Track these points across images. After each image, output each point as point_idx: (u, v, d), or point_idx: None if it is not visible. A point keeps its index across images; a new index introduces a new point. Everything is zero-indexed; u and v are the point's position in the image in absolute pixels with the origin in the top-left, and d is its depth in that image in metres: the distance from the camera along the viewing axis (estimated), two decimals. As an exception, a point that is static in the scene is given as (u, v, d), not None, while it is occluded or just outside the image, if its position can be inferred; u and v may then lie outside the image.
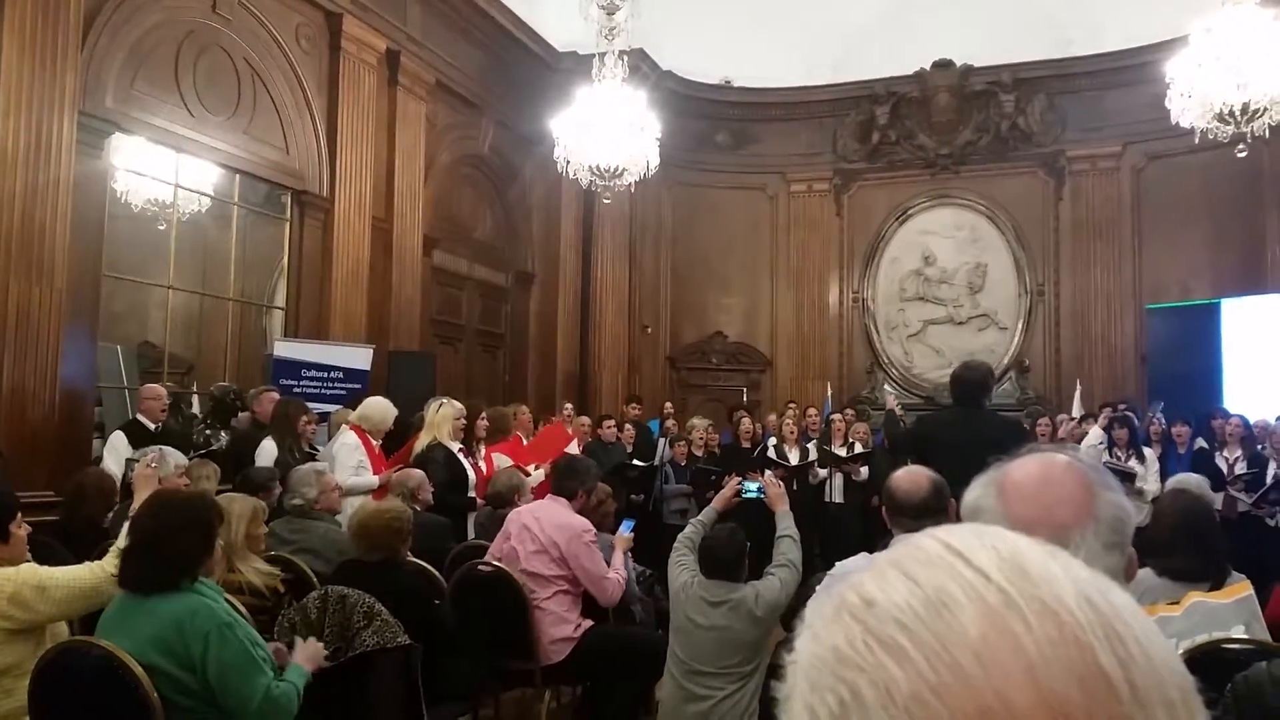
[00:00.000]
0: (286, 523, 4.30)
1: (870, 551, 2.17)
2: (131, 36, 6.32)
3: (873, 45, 11.47)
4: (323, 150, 7.93)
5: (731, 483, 4.23)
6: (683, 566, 3.81)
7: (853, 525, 7.72)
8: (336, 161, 8.00)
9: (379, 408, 5.83)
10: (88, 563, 2.99)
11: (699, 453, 8.20)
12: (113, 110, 6.18)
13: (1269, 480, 6.61)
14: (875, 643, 0.42)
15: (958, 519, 1.66)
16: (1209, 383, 9.46)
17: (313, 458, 5.43)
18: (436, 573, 4.05)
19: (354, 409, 5.98)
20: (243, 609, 2.95)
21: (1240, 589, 2.49)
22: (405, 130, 8.81)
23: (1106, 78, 10.96)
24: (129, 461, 4.85)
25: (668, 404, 10.48)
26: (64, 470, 5.07)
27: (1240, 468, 6.89)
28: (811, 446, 8.32)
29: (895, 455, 6.04)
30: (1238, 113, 6.62)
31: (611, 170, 8.13)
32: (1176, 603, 2.42)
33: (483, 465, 6.01)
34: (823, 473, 8.07)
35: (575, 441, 7.41)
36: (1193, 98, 6.82)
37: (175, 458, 4.29)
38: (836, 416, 8.82)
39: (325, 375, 7.31)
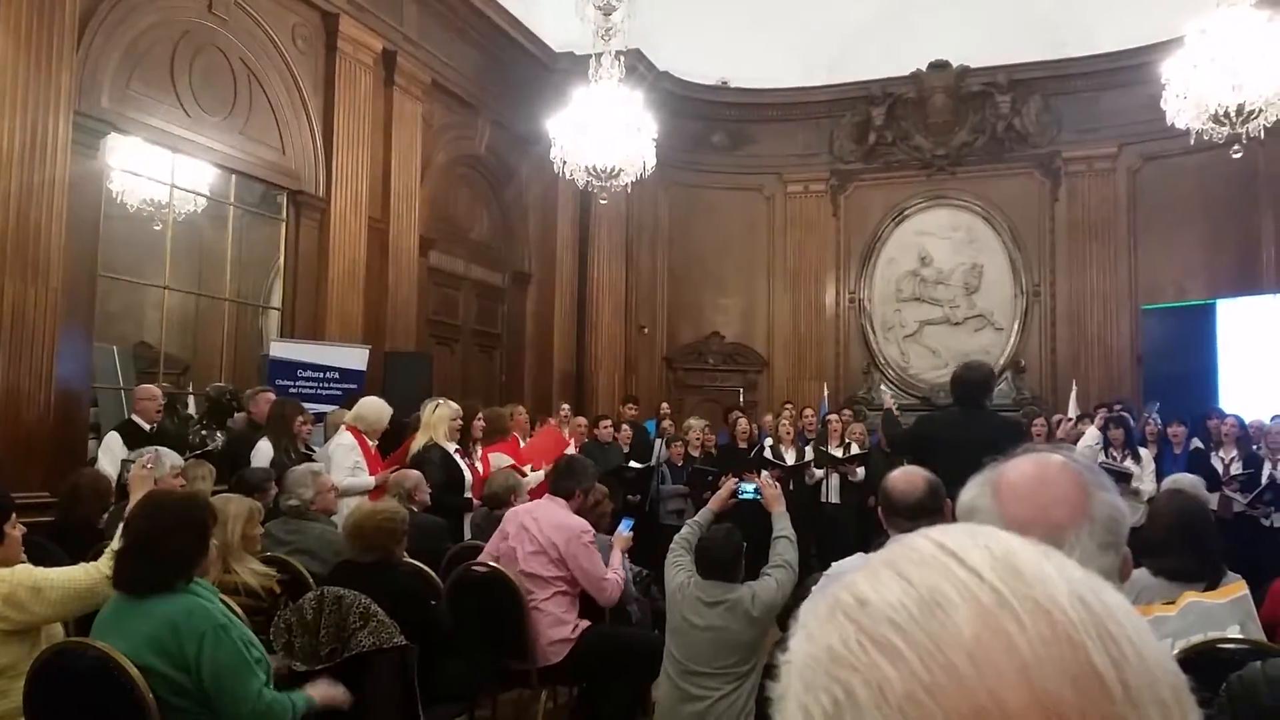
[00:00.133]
0: (282, 523, 4.30)
1: (866, 552, 2.17)
2: (127, 36, 6.31)
3: (869, 46, 11.48)
4: (319, 150, 7.93)
5: (728, 484, 4.23)
6: (679, 567, 3.81)
7: (849, 526, 7.72)
8: (332, 162, 7.99)
9: (374, 408, 5.82)
10: (83, 564, 2.98)
11: (695, 453, 8.20)
12: (108, 110, 6.17)
13: (1264, 480, 6.62)
14: (869, 642, 0.42)
15: (954, 519, 1.66)
16: (1204, 383, 9.48)
17: (309, 458, 5.43)
18: (433, 573, 4.05)
19: (350, 409, 5.98)
20: (238, 610, 2.95)
21: (1235, 589, 2.50)
22: (401, 130, 8.81)
23: (1102, 79, 10.98)
24: (125, 462, 4.86)
25: (664, 404, 10.49)
26: (59, 471, 5.06)
27: (1236, 468, 6.90)
28: (808, 447, 8.33)
29: (894, 455, 6.05)
30: (1233, 114, 6.64)
31: (608, 171, 8.13)
32: (1172, 603, 2.43)
33: (479, 466, 6.01)
34: (819, 473, 8.07)
35: (572, 444, 7.42)
36: (1188, 99, 6.83)
37: (171, 458, 4.29)
38: (833, 417, 8.81)
39: (321, 376, 7.30)
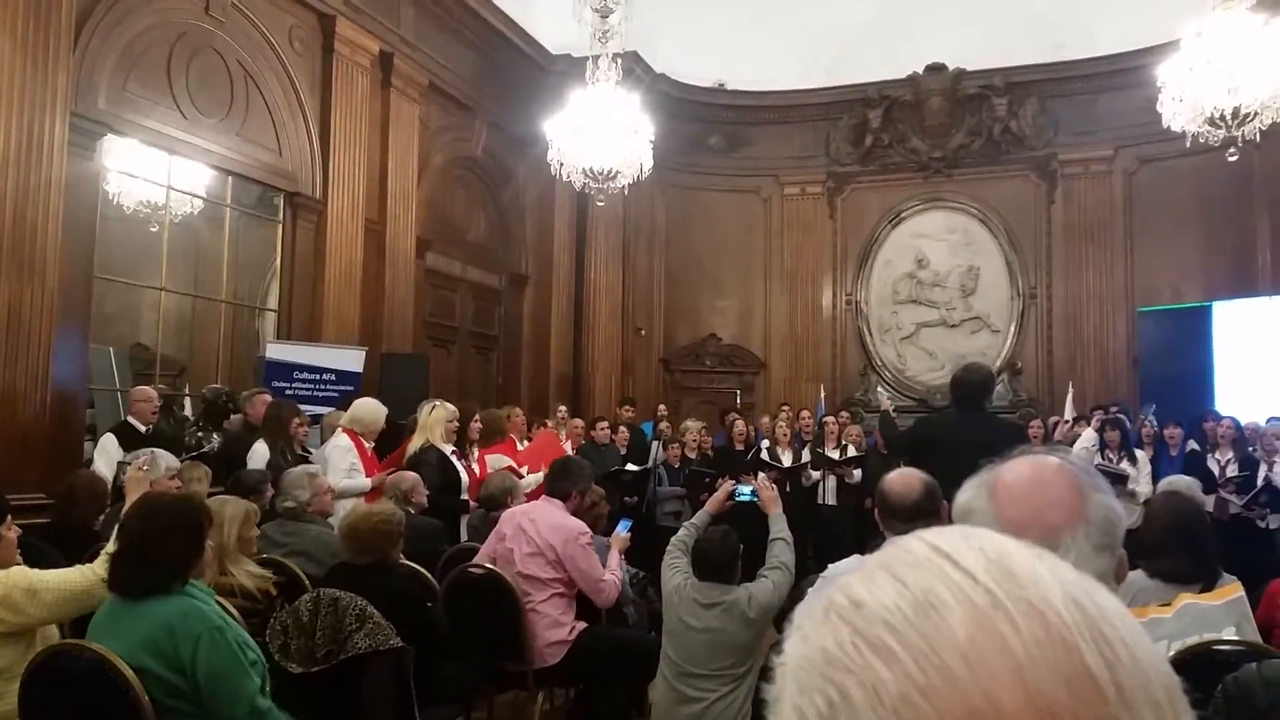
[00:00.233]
0: (278, 525, 4.29)
1: (863, 554, 2.17)
2: (124, 38, 6.31)
3: (866, 49, 11.50)
4: (315, 152, 7.92)
5: (725, 486, 4.23)
6: (676, 569, 3.81)
7: (846, 528, 7.73)
8: (329, 163, 7.99)
9: (369, 409, 5.81)
10: (78, 566, 2.97)
11: (692, 455, 8.20)
12: (105, 112, 6.16)
13: (1259, 482, 6.63)
14: (864, 644, 0.42)
15: (950, 521, 1.66)
16: (1200, 385, 9.49)
17: (305, 460, 5.42)
18: (429, 575, 4.05)
19: (346, 411, 5.97)
20: (234, 612, 2.94)
21: (1231, 590, 2.50)
22: (398, 132, 8.81)
23: (1098, 81, 11.00)
24: (120, 464, 4.84)
25: (661, 406, 10.48)
26: (55, 472, 5.05)
27: (1232, 470, 6.91)
28: (805, 449, 8.33)
29: (891, 456, 6.05)
30: (1229, 117, 6.65)
31: (605, 173, 8.13)
32: (1168, 604, 2.43)
33: (475, 468, 6.01)
34: (816, 475, 8.08)
35: (569, 446, 7.42)
36: (1184, 102, 6.85)
37: (167, 460, 4.28)
38: (830, 419, 8.82)
39: (318, 377, 7.29)
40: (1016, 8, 10.83)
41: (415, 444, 5.65)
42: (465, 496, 5.63)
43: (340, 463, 5.44)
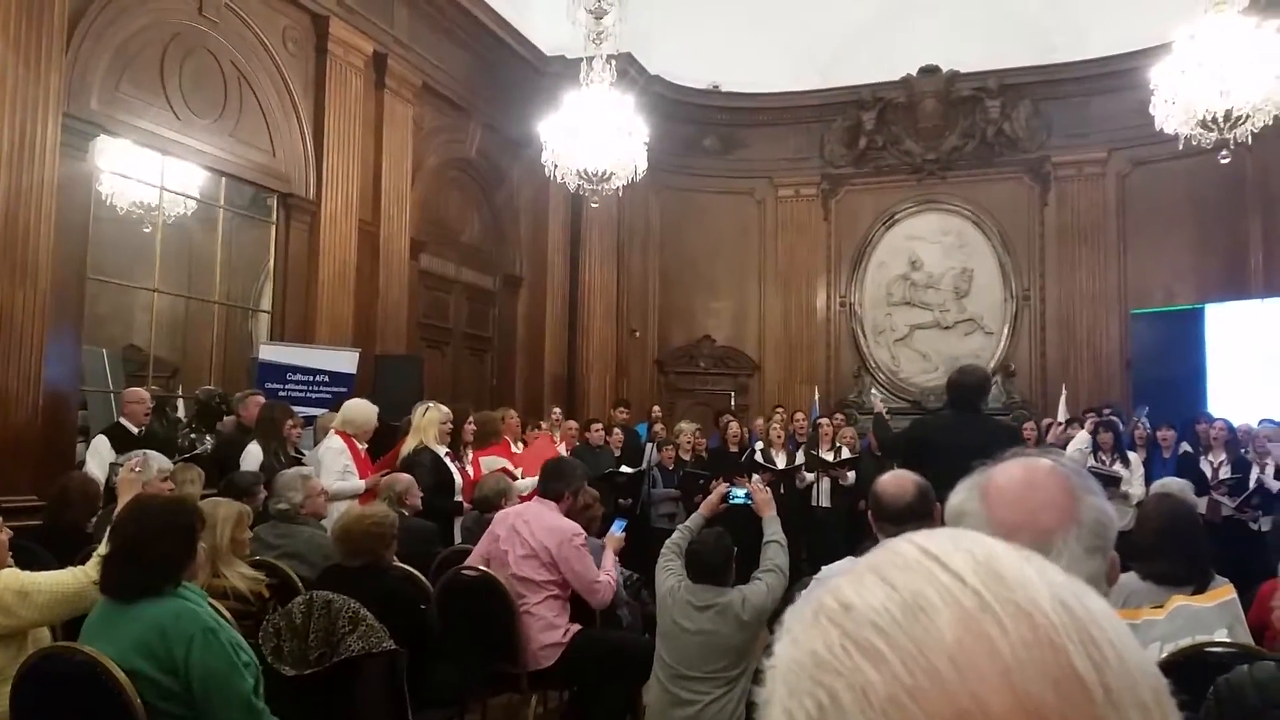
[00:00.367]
0: (272, 527, 4.28)
1: (856, 556, 2.17)
2: (117, 39, 6.29)
3: (860, 51, 11.53)
4: (309, 153, 7.91)
5: (719, 488, 4.23)
6: (669, 571, 3.81)
7: (839, 530, 7.72)
8: (323, 164, 7.98)
9: (360, 410, 5.79)
10: (71, 567, 2.97)
11: (687, 457, 8.19)
12: (98, 112, 6.15)
13: (1252, 484, 6.66)
14: (852, 647, 0.42)
15: (943, 523, 1.66)
16: (1193, 387, 9.53)
17: (298, 462, 5.41)
18: (422, 577, 4.04)
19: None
20: (227, 614, 2.94)
21: (1223, 592, 2.51)
22: (392, 133, 8.80)
23: (1091, 84, 11.04)
24: (113, 466, 4.83)
25: (655, 408, 10.46)
26: (47, 474, 5.03)
27: (1225, 472, 6.94)
28: (799, 451, 8.33)
29: (885, 458, 6.05)
30: (1221, 119, 6.68)
31: (599, 174, 8.13)
32: (1160, 606, 2.44)
33: (470, 469, 6.00)
34: (810, 477, 8.08)
35: (563, 448, 7.41)
36: (1177, 104, 6.87)
37: (159, 462, 4.26)
38: (824, 421, 8.82)
39: (311, 379, 7.28)
40: (1010, 10, 10.86)
41: (409, 446, 5.64)
42: (459, 498, 5.63)
43: (334, 465, 5.42)
